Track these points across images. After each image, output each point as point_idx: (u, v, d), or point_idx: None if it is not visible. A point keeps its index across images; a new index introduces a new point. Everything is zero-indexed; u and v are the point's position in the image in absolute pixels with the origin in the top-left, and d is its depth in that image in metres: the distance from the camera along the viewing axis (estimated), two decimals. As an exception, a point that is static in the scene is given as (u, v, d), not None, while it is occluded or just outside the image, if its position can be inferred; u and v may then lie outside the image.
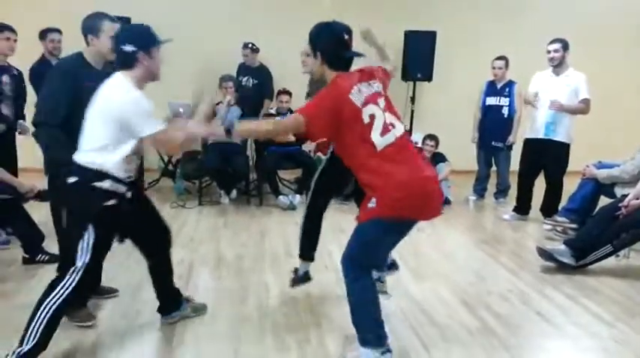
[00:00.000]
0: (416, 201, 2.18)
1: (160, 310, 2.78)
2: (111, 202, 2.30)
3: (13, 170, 3.94)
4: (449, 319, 2.93)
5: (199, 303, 2.94)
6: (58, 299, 2.26)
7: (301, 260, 3.14)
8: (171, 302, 2.79)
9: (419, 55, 6.38)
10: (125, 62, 2.30)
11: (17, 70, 4.15)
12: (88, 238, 2.28)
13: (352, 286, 2.31)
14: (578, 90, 4.59)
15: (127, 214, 2.39)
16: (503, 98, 5.43)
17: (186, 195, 5.57)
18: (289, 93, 5.59)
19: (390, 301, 3.04)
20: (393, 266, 3.34)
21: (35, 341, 2.21)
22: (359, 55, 2.30)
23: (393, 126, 2.23)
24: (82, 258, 2.30)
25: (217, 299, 3.09)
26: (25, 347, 2.20)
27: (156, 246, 2.68)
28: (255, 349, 2.56)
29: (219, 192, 5.47)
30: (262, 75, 6.09)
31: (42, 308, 2.25)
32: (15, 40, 3.99)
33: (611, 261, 3.73)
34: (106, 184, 2.28)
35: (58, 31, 4.49)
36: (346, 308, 2.36)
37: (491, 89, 5.52)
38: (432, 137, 5.53)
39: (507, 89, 5.43)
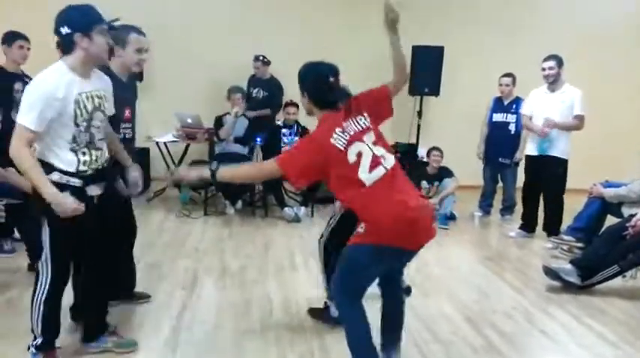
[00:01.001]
0: (402, 230, 2.14)
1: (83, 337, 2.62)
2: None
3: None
4: (453, 336, 2.92)
5: (126, 340, 2.66)
6: (41, 294, 2.33)
7: (331, 300, 2.94)
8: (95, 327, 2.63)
9: (426, 70, 6.40)
10: (63, 46, 2.18)
11: (29, 77, 4.19)
12: (44, 230, 2.27)
13: (342, 311, 2.32)
14: (573, 107, 4.61)
15: (88, 211, 2.24)
16: (510, 115, 5.44)
17: (192, 204, 5.59)
18: (296, 105, 5.61)
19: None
20: (408, 290, 3.32)
21: (41, 333, 2.37)
22: (344, 96, 2.27)
23: (384, 158, 2.24)
24: (45, 251, 2.29)
25: (221, 311, 3.10)
26: (39, 340, 2.38)
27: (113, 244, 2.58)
28: (258, 362, 2.56)
29: (225, 202, 5.49)
30: (272, 87, 6.12)
31: (33, 305, 2.35)
32: (28, 49, 4.05)
33: (617, 282, 3.70)
34: (54, 177, 2.19)
35: None
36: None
37: (498, 105, 5.53)
38: (437, 148, 5.53)
39: (514, 106, 5.44)
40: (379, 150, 2.24)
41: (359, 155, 2.19)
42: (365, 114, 2.29)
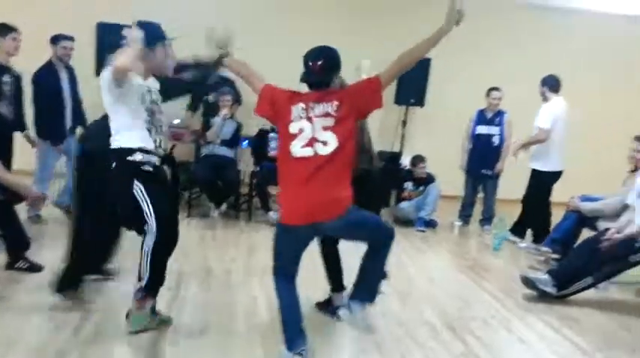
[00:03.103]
0: (293, 210, 2.49)
1: None
2: (146, 168, 2.62)
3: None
4: (434, 342, 2.99)
5: (165, 316, 2.92)
6: (149, 247, 2.63)
7: (333, 293, 3.18)
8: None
9: (412, 81, 6.50)
10: None
11: (18, 72, 4.18)
12: (140, 191, 2.58)
13: (274, 286, 2.63)
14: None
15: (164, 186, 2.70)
16: (493, 127, 5.58)
17: (176, 205, 5.55)
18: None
19: (378, 323, 3.09)
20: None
21: (147, 278, 2.66)
22: (316, 82, 2.55)
23: (325, 144, 2.43)
24: (149, 212, 2.58)
25: (206, 312, 3.12)
26: (143, 282, 2.67)
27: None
28: (244, 363, 2.58)
29: (209, 204, 5.48)
30: (226, 85, 5.83)
31: (143, 254, 2.64)
32: (20, 41, 4.08)
33: (591, 293, 3.82)
34: (137, 157, 2.60)
35: (71, 38, 4.60)
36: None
37: (482, 118, 5.66)
38: (422, 159, 5.71)
39: (498, 118, 5.59)
40: (324, 136, 2.44)
41: (300, 131, 2.46)
42: (335, 103, 2.48)
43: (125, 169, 2.62)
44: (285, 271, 2.60)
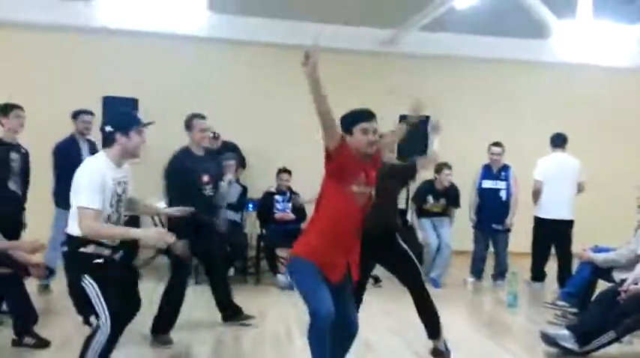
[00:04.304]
0: None
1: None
2: (98, 261, 2.56)
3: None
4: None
5: None
6: (102, 341, 2.51)
7: None
8: None
9: (414, 138, 6.57)
10: (105, 141, 2.73)
11: (25, 149, 4.28)
12: (91, 285, 2.51)
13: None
14: None
15: (115, 277, 2.60)
16: (500, 181, 5.61)
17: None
18: (289, 172, 5.73)
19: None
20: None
21: None
22: None
23: None
24: (102, 309, 2.50)
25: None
26: None
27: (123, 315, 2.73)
28: None
29: (216, 269, 5.39)
30: (230, 150, 5.88)
31: (90, 348, 2.51)
32: (24, 117, 4.21)
33: (615, 347, 3.68)
34: (89, 248, 2.55)
35: (91, 112, 4.82)
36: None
37: (488, 173, 5.69)
38: (448, 165, 5.68)
39: (503, 173, 5.62)
40: None
41: None
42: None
43: (75, 259, 2.59)
44: None
